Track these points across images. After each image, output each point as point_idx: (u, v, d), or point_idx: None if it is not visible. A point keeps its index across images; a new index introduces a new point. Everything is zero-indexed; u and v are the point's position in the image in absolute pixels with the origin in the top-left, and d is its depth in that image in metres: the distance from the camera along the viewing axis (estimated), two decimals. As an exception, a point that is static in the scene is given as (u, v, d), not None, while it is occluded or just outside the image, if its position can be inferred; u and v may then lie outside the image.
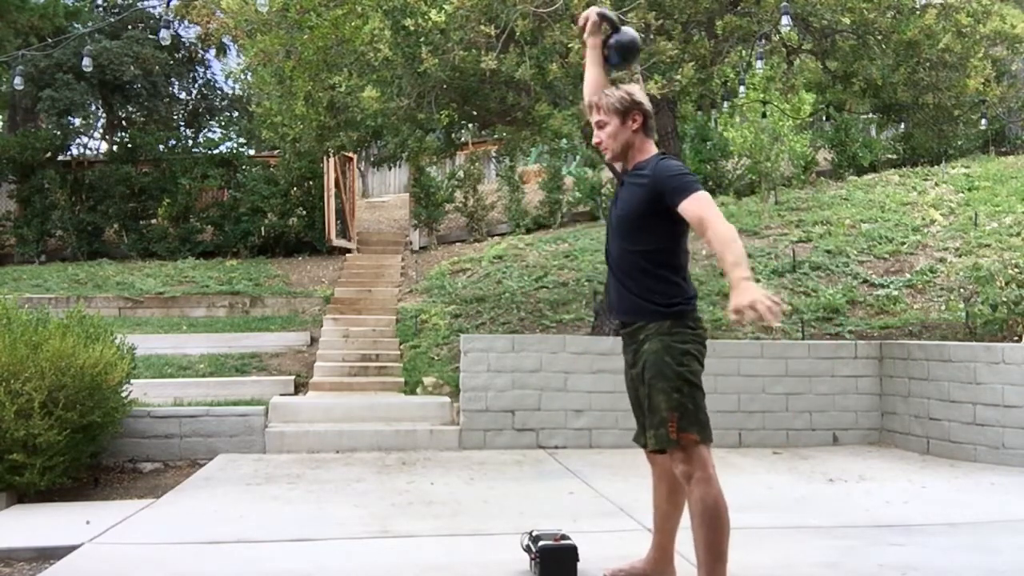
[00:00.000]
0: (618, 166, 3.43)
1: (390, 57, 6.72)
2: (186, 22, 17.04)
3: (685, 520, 3.27)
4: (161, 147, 14.93)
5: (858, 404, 7.53)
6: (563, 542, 3.63)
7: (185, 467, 6.58)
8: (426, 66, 6.52)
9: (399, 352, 9.14)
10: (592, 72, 3.64)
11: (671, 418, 3.10)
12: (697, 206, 3.05)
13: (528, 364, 7.26)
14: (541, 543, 3.61)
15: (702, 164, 14.00)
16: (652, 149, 3.34)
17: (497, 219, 14.15)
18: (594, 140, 3.41)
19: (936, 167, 13.58)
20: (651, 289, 3.22)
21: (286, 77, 8.07)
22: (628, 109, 3.28)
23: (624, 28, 3.63)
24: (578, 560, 3.60)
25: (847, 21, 7.28)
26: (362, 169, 19.27)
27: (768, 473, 6.28)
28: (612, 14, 3.64)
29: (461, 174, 14.17)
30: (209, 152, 16.21)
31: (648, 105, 3.35)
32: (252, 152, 16.53)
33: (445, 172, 14.66)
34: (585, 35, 3.64)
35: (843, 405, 7.51)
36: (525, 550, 3.76)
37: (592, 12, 3.58)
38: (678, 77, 6.74)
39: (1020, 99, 12.97)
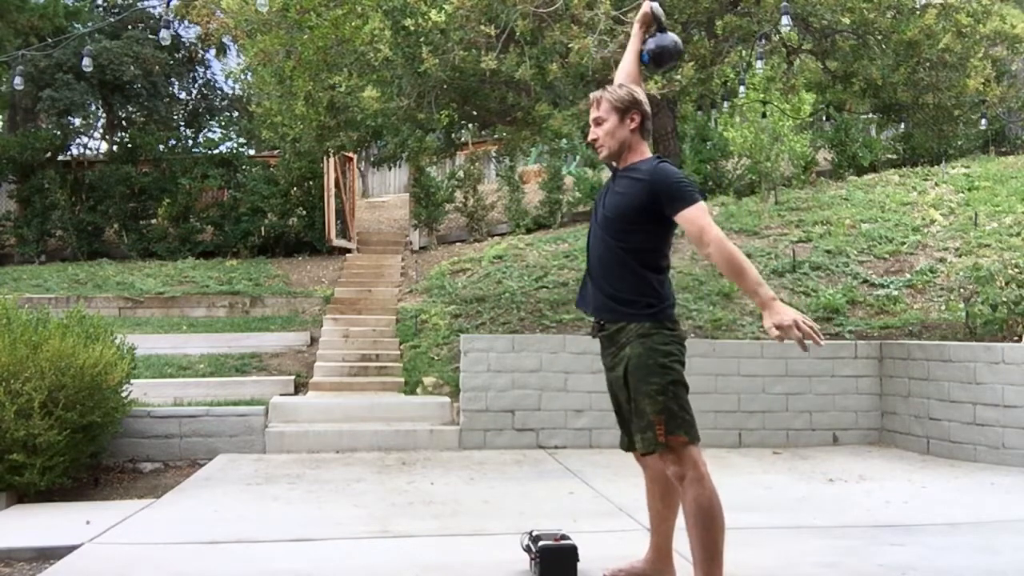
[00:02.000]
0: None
1: (390, 57, 6.72)
2: (186, 22, 16.98)
3: (682, 519, 3.27)
4: (161, 147, 14.92)
5: (858, 404, 7.54)
6: (563, 542, 3.63)
7: (185, 467, 6.59)
8: (426, 66, 6.52)
9: (399, 352, 9.13)
10: (627, 60, 3.65)
11: (658, 421, 3.09)
12: (697, 217, 3.07)
13: (528, 364, 7.26)
14: (541, 543, 3.61)
15: (702, 164, 13.99)
16: (647, 151, 3.34)
17: (497, 219, 14.15)
18: (590, 136, 3.40)
19: (936, 167, 13.58)
20: (633, 289, 3.20)
21: (286, 77, 8.07)
22: (627, 108, 3.28)
23: (666, 34, 3.57)
24: (578, 560, 3.60)
25: (847, 21, 7.27)
26: (362, 169, 19.27)
27: (768, 473, 6.28)
28: (661, 13, 3.59)
29: (461, 174, 14.16)
30: (209, 152, 16.22)
31: (647, 107, 3.34)
32: (252, 152, 16.53)
33: (445, 172, 14.65)
34: (635, 22, 3.64)
35: (843, 405, 7.51)
36: (525, 550, 3.76)
37: (647, 4, 3.58)
38: (678, 77, 6.73)
39: (1020, 99, 12.95)
